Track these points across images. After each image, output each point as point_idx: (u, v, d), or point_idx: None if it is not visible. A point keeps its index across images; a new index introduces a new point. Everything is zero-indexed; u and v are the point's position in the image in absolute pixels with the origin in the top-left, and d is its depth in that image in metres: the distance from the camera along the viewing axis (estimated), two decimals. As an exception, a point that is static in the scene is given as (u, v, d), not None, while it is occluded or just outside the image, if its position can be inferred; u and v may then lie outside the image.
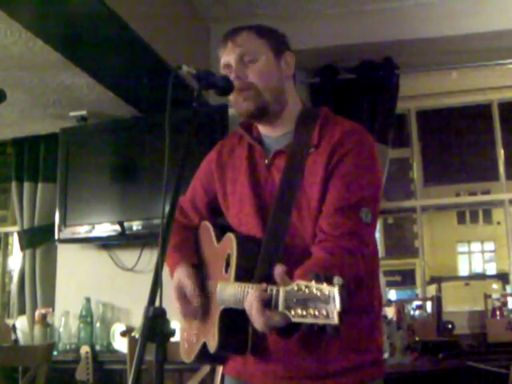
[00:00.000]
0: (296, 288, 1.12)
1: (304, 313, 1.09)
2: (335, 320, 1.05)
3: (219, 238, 1.56)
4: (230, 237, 1.47)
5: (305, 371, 1.45)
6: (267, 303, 1.21)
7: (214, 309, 1.48)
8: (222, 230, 1.59)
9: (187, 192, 1.74)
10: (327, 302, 1.06)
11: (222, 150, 1.69)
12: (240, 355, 1.47)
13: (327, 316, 1.06)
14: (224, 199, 1.64)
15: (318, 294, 1.08)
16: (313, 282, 1.10)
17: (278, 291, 1.18)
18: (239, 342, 1.43)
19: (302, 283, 1.11)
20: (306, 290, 1.10)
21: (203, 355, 1.52)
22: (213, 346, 1.42)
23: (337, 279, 1.08)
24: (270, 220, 1.47)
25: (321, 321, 1.07)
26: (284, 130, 1.58)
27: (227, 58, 1.54)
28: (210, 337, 1.44)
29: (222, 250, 1.51)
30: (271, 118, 1.57)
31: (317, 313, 1.07)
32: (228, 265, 1.45)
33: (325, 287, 1.08)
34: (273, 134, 1.60)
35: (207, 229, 1.64)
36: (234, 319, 1.40)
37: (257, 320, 1.23)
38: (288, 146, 1.54)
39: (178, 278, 1.56)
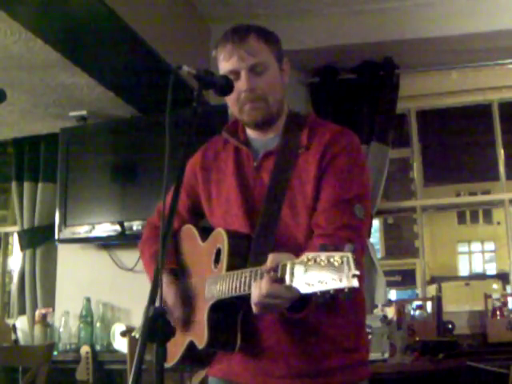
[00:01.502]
0: (305, 259, 1.10)
1: (314, 282, 1.07)
2: (351, 283, 1.03)
3: (204, 237, 1.56)
4: (220, 232, 1.47)
5: (295, 369, 1.45)
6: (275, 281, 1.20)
7: (200, 306, 1.48)
8: (205, 231, 1.59)
9: (168, 196, 1.72)
10: (340, 268, 1.04)
11: (205, 153, 1.70)
12: (229, 352, 1.46)
13: (340, 281, 1.04)
14: (208, 201, 1.64)
15: (331, 260, 1.06)
16: (323, 252, 1.08)
17: (284, 265, 1.17)
18: (228, 338, 1.42)
19: (311, 254, 1.10)
20: (317, 259, 1.08)
21: (188, 357, 1.51)
22: (202, 343, 1.41)
23: (348, 246, 1.07)
24: (260, 217, 1.49)
25: (333, 287, 1.05)
26: (273, 133, 1.60)
27: (236, 64, 1.52)
28: (198, 334, 1.43)
29: (210, 246, 1.51)
30: (270, 125, 1.60)
31: (329, 280, 1.05)
32: (217, 260, 1.45)
33: (336, 254, 1.06)
34: (262, 138, 1.62)
35: (190, 230, 1.64)
36: (223, 314, 1.41)
37: (263, 301, 1.23)
38: (277, 147, 1.56)
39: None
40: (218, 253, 1.46)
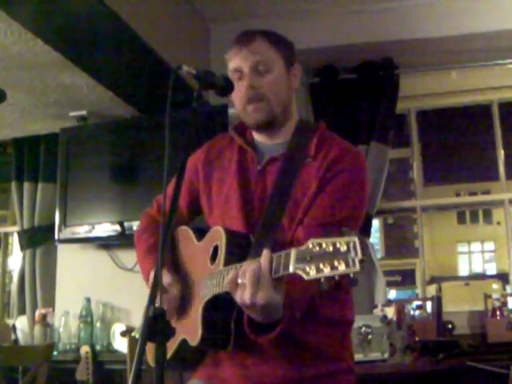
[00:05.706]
0: (310, 245, 1.09)
1: (319, 268, 1.05)
2: (357, 267, 1.01)
3: (199, 238, 1.55)
4: (218, 229, 1.46)
5: (281, 377, 1.45)
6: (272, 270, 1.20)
7: (195, 304, 1.47)
8: (200, 232, 1.58)
9: (168, 189, 1.52)
10: (347, 253, 1.02)
11: (209, 150, 1.70)
12: (222, 350, 1.45)
13: (348, 265, 1.02)
14: (208, 199, 1.64)
15: (337, 245, 1.04)
16: (328, 238, 1.06)
17: (287, 254, 1.15)
18: (222, 336, 1.40)
19: (316, 240, 1.08)
20: (322, 245, 1.06)
21: (178, 356, 1.49)
22: (195, 340, 1.39)
23: (354, 232, 1.04)
24: (260, 222, 1.47)
25: (339, 272, 1.02)
26: (280, 139, 1.59)
27: (240, 63, 1.54)
28: (191, 332, 1.42)
29: (207, 244, 1.50)
30: (275, 129, 1.59)
31: (334, 265, 1.03)
32: (214, 257, 1.44)
33: (342, 239, 1.04)
34: (268, 142, 1.61)
35: (185, 231, 1.63)
36: (218, 312, 1.40)
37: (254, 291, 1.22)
38: (283, 154, 1.55)
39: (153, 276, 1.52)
40: (215, 250, 1.45)
